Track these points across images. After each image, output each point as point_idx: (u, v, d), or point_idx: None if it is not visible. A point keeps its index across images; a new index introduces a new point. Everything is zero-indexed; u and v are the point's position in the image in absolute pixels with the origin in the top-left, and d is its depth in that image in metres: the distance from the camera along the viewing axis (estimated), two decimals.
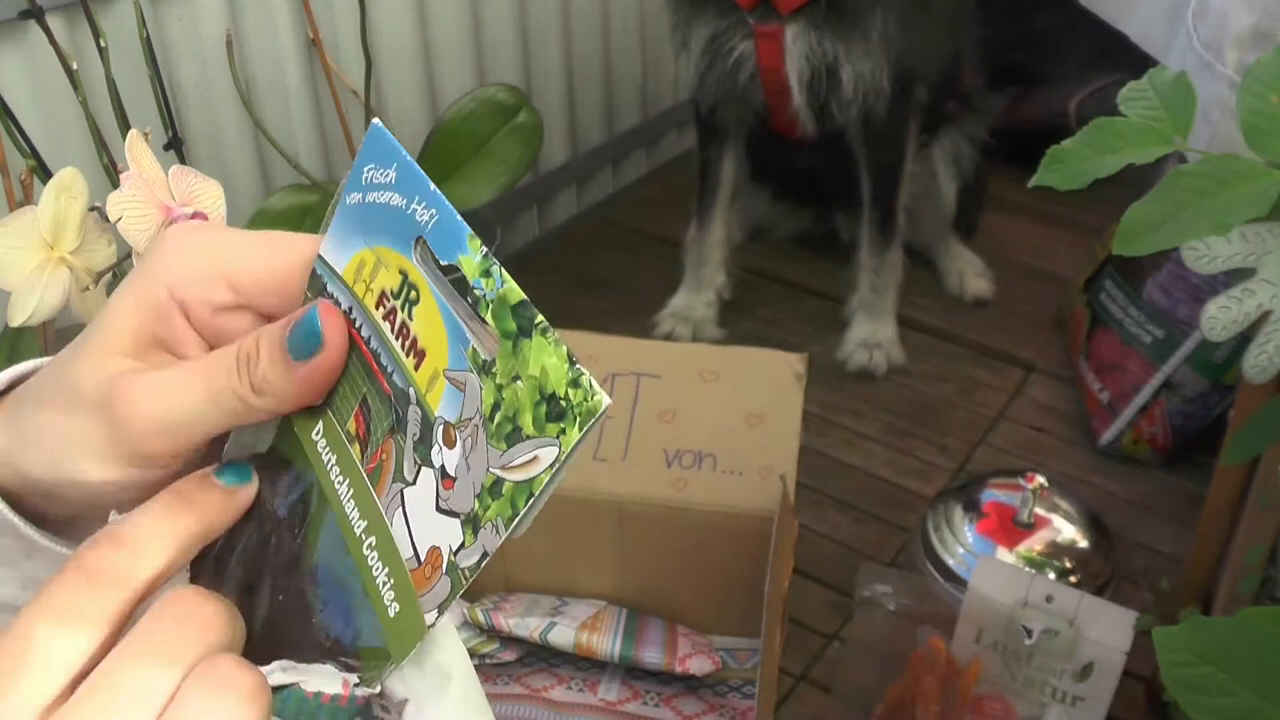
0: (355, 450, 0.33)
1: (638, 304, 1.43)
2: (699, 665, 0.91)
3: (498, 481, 0.29)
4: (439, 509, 0.31)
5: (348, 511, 0.33)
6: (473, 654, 0.96)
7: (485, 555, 0.30)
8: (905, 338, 1.36)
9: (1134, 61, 1.03)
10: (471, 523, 0.30)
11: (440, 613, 0.31)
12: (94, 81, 1.00)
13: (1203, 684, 0.41)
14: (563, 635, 0.92)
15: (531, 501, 0.29)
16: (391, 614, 0.32)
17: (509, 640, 0.96)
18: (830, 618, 1.03)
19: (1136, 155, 0.57)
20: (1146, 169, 0.58)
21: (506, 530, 0.29)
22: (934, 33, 1.30)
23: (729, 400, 0.95)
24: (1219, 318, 0.62)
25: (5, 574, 0.39)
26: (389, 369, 0.32)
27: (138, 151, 0.68)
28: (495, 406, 0.30)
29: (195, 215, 0.69)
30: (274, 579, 0.34)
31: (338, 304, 0.34)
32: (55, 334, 0.82)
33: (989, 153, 1.44)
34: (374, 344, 0.33)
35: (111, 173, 1.00)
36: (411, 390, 0.32)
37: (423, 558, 0.31)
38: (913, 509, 1.13)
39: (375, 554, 0.32)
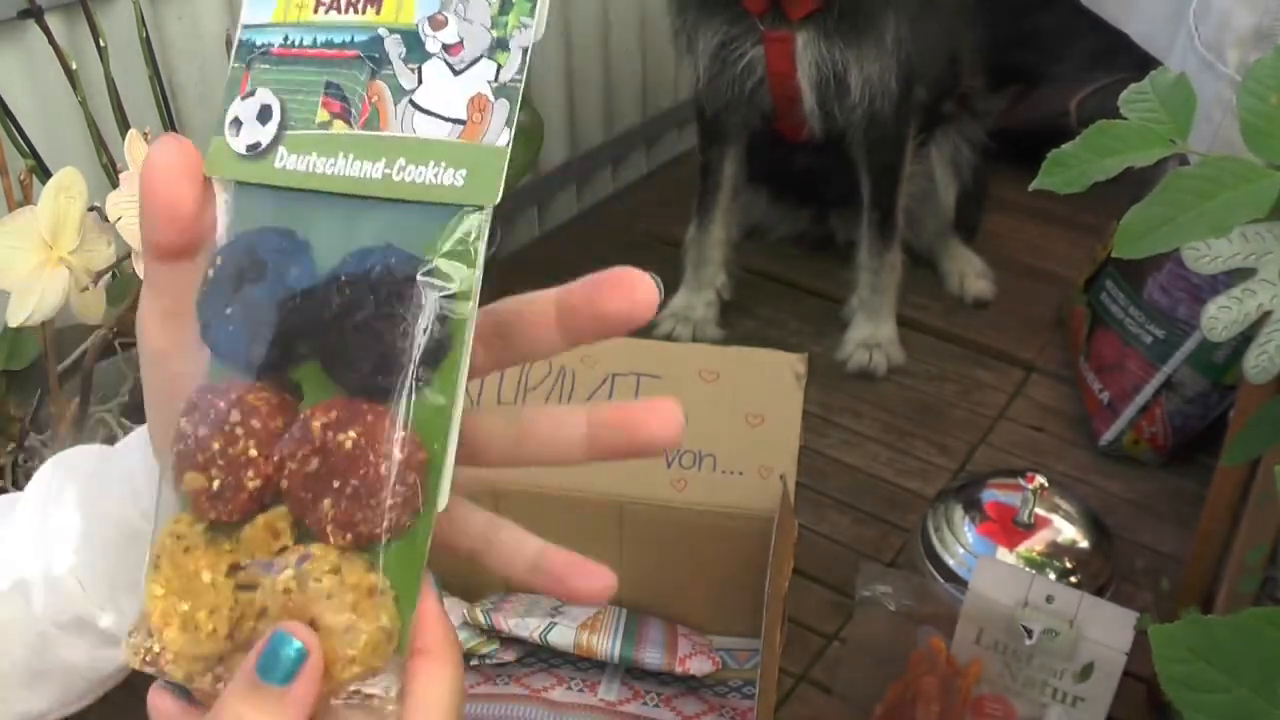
0: (338, 127, 0.34)
1: None
2: (699, 665, 0.91)
3: (504, 3, 0.33)
4: (457, 72, 0.34)
5: (356, 175, 0.34)
6: (472, 654, 0.96)
7: (525, 51, 0.33)
8: (905, 338, 1.36)
9: (1135, 61, 1.03)
10: (497, 47, 0.33)
11: (509, 128, 0.33)
12: (93, 81, 1.00)
13: (1197, 681, 0.41)
14: (563, 635, 0.92)
15: None
16: (460, 183, 0.33)
17: (508, 640, 0.96)
18: (830, 618, 1.03)
19: (1137, 158, 0.57)
20: (1147, 169, 0.58)
21: (533, 20, 0.33)
22: (937, 31, 1.30)
23: (729, 400, 0.94)
24: (1219, 318, 0.62)
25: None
26: (346, 39, 0.35)
27: (137, 151, 0.68)
28: None
29: None
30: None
31: (268, 47, 0.36)
32: (55, 334, 0.83)
33: (989, 154, 1.44)
34: (320, 39, 0.35)
35: (111, 173, 1.00)
36: (380, 29, 0.34)
37: (465, 113, 0.33)
38: (913, 509, 1.13)
39: (409, 166, 0.33)
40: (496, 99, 0.33)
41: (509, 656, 0.96)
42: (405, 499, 0.33)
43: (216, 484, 0.34)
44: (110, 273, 0.74)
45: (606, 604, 0.98)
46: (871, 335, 1.34)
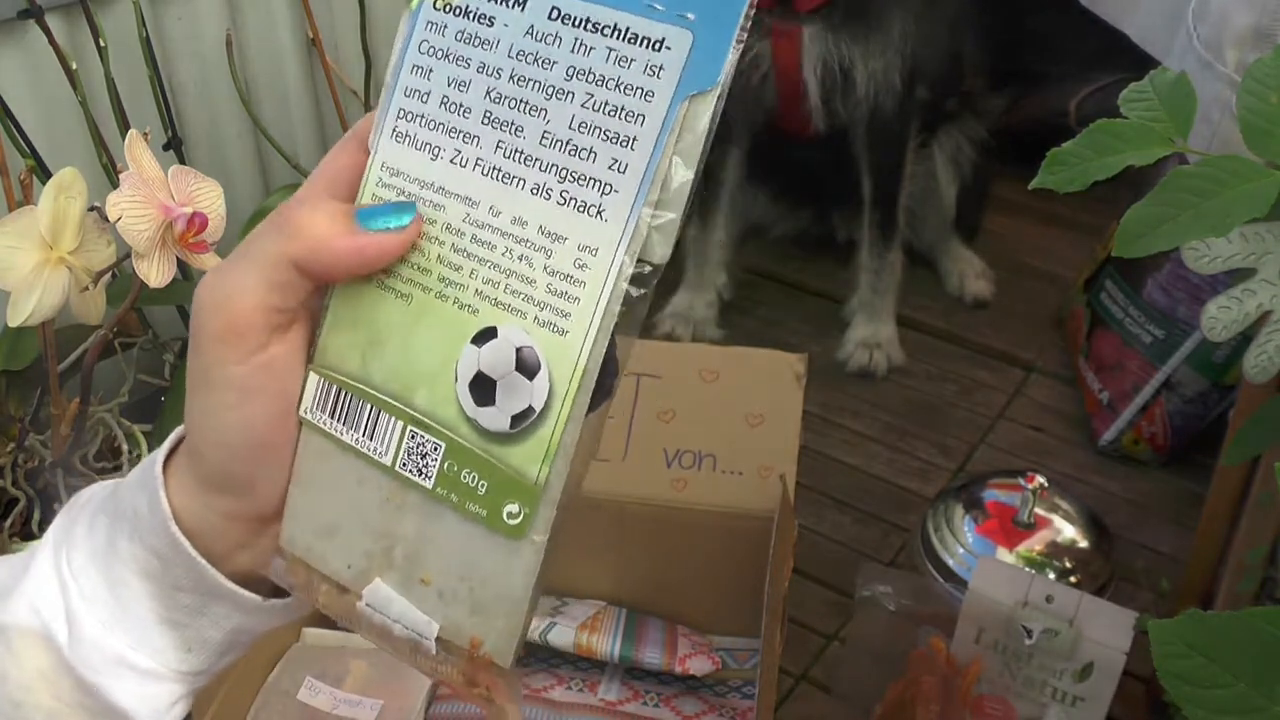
0: None
1: None
2: (699, 665, 0.91)
3: None
4: None
5: None
6: None
7: None
8: (905, 338, 1.36)
9: (1134, 61, 1.03)
10: None
11: None
12: (94, 81, 1.00)
13: (1195, 675, 0.41)
14: (562, 635, 0.92)
15: None
16: None
17: None
18: (830, 618, 1.03)
19: (1137, 157, 0.57)
20: (1147, 169, 0.58)
21: None
22: (941, 28, 1.30)
23: (729, 400, 0.94)
24: (1219, 318, 0.62)
25: (174, 637, 0.41)
26: None
27: (137, 151, 0.68)
28: None
29: (195, 215, 0.69)
30: None
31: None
32: (55, 334, 0.83)
33: (990, 153, 1.44)
34: None
35: (111, 173, 1.00)
36: None
37: None
38: (913, 509, 1.13)
39: None
40: None
41: None
42: None
43: None
44: (110, 273, 0.74)
45: (606, 604, 0.98)
46: (872, 335, 1.34)
